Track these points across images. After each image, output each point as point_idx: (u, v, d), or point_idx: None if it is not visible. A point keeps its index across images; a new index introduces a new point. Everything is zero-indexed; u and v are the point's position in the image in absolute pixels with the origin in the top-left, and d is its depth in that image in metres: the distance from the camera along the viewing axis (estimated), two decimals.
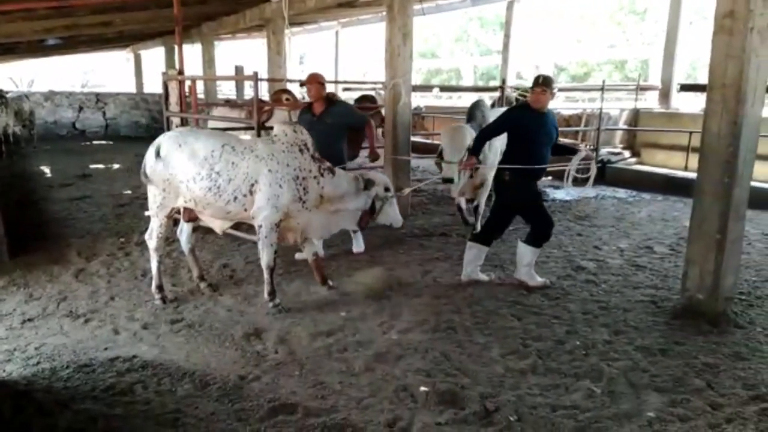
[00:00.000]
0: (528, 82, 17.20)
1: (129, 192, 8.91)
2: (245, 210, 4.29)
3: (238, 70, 14.51)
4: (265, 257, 4.37)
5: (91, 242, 6.13)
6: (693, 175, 4.60)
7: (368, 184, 4.68)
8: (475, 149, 4.86)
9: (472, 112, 6.68)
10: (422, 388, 3.21)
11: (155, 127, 16.20)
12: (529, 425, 2.90)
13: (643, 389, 3.25)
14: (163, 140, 4.35)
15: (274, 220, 4.27)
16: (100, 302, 4.60)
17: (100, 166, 11.69)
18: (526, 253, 4.89)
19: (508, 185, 4.75)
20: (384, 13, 10.51)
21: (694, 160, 5.55)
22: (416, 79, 24.84)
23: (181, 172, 4.23)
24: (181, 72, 6.52)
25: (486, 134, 4.88)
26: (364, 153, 6.59)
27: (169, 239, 6.16)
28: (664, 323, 4.16)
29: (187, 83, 6.69)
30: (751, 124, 3.99)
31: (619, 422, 2.93)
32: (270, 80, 9.09)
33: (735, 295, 4.49)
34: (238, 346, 3.79)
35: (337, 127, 5.48)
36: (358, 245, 5.89)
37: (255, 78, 5.65)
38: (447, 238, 6.56)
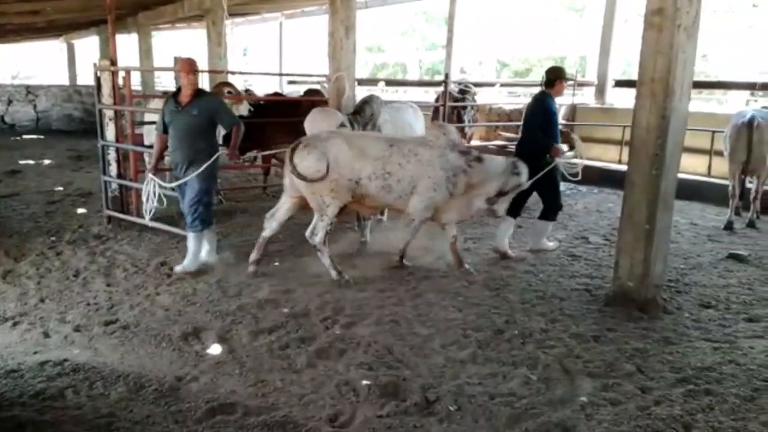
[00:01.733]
0: (471, 77, 17.50)
1: (60, 189, 8.53)
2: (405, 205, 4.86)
3: (177, 61, 14.06)
4: (412, 235, 5.04)
5: (20, 242, 5.83)
6: (626, 167, 4.78)
7: (518, 167, 5.00)
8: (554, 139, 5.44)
9: (361, 107, 6.24)
10: (364, 382, 3.22)
11: (90, 120, 15.55)
12: (468, 414, 2.96)
13: (576, 375, 3.37)
14: (328, 142, 4.65)
15: (426, 217, 4.87)
16: (29, 304, 4.39)
17: (30, 161, 11.12)
18: (544, 227, 5.76)
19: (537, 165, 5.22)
20: (327, 5, 10.41)
21: (627, 153, 5.75)
22: (362, 73, 24.76)
23: (351, 171, 4.59)
24: (113, 62, 6.26)
25: (541, 124, 5.42)
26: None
27: (102, 237, 5.98)
28: (598, 311, 4.32)
29: (121, 74, 6.43)
30: (678, 117, 4.18)
31: (553, 408, 3.03)
32: (210, 72, 8.86)
33: (664, 282, 4.70)
34: (175, 346, 3.70)
35: (202, 120, 4.93)
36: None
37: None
38: (391, 232, 6.58)
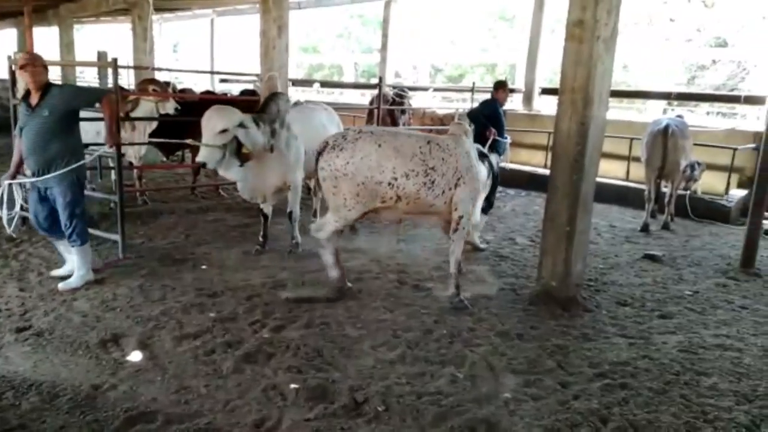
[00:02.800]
0: (406, 81, 17.65)
1: None
2: (444, 203, 4.37)
3: (101, 56, 13.47)
4: (459, 250, 4.50)
5: None
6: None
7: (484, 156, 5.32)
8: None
9: (266, 105, 5.35)
10: (292, 386, 3.18)
11: (5, 116, 14.62)
12: (395, 414, 2.98)
13: (501, 372, 3.46)
14: (357, 142, 4.22)
15: (470, 214, 4.51)
16: None
17: None
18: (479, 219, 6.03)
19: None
20: (259, 4, 10.22)
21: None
22: (298, 74, 24.56)
23: (381, 173, 4.16)
24: None
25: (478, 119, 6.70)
26: None
27: (16, 240, 5.64)
28: (522, 309, 4.46)
29: None
30: (597, 125, 4.38)
31: (478, 404, 3.09)
32: (134, 68, 8.53)
33: (584, 281, 4.91)
34: (92, 353, 3.52)
35: (56, 118, 4.28)
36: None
37: (114, 65, 5.26)
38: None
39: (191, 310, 4.20)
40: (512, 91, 12.63)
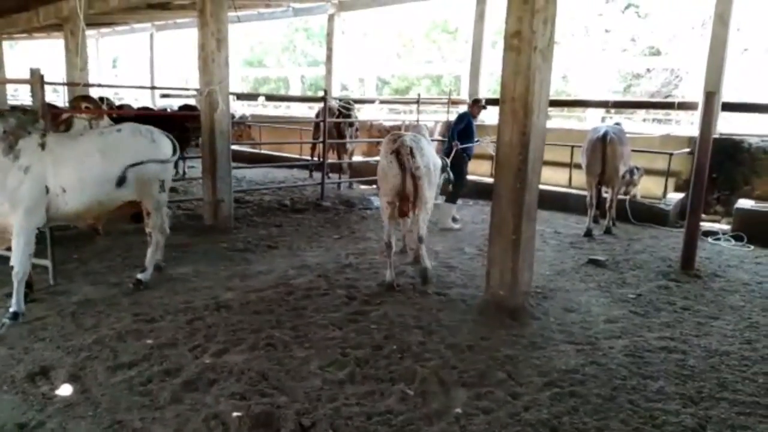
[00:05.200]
0: (353, 94, 17.61)
1: None
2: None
3: (33, 72, 12.87)
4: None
5: None
6: None
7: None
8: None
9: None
10: (235, 414, 3.03)
11: None
12: None
13: (452, 386, 3.41)
14: (414, 143, 4.98)
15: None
16: None
17: None
18: (449, 208, 7.66)
19: (462, 160, 7.57)
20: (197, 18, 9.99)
21: None
22: (243, 88, 24.21)
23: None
24: None
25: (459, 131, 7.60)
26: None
27: None
28: (472, 320, 4.43)
29: None
30: (538, 133, 4.42)
31: (429, 422, 3.02)
32: (65, 84, 8.17)
33: (532, 289, 4.94)
34: (18, 389, 3.27)
35: None
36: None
37: (40, 81, 5.00)
38: (273, 250, 6.39)
39: (127, 337, 3.98)
40: (455, 102, 12.90)
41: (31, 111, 4.68)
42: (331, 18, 13.61)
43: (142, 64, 20.81)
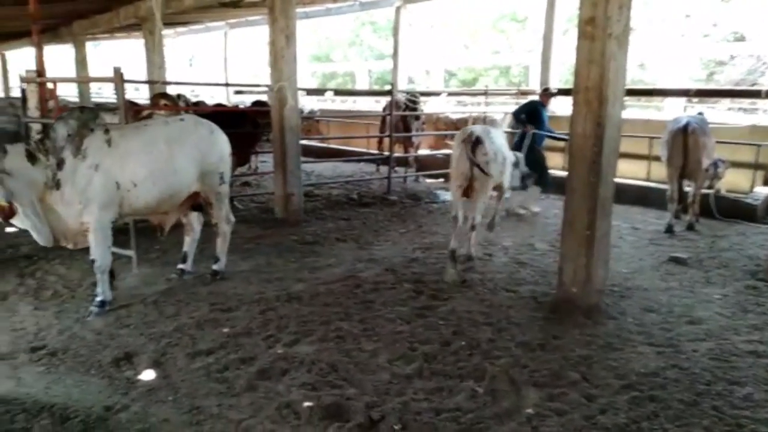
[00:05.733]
0: (419, 87, 17.54)
1: None
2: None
3: (116, 71, 13.60)
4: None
5: None
6: None
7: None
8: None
9: (53, 128, 4.26)
10: (306, 404, 3.09)
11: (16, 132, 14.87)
12: None
13: (523, 385, 3.33)
14: (483, 134, 5.35)
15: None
16: None
17: None
18: (535, 191, 8.00)
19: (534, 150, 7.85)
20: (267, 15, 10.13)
21: None
22: (311, 83, 24.64)
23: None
24: (40, 73, 5.95)
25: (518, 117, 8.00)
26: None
27: (33, 257, 5.64)
28: (543, 318, 4.32)
29: (49, 86, 6.11)
30: (613, 124, 4.23)
31: (499, 421, 2.97)
32: (141, 82, 8.55)
33: (607, 287, 4.76)
34: (105, 373, 3.47)
35: None
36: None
37: (120, 79, 5.25)
38: (341, 243, 6.47)
39: (205, 325, 4.14)
40: (524, 93, 12.59)
41: (90, 109, 4.83)
42: (397, 11, 13.56)
43: (217, 61, 21.52)
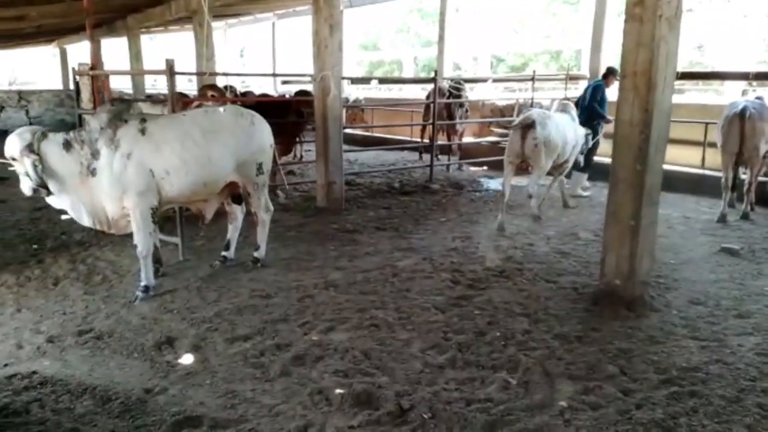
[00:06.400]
0: (466, 73, 17.29)
1: None
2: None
3: (169, 64, 14.01)
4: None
5: (2, 250, 5.75)
6: None
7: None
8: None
9: (89, 120, 4.58)
10: (338, 391, 3.12)
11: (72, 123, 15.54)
12: (442, 422, 2.85)
13: (557, 378, 3.27)
14: (539, 117, 6.34)
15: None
16: (5, 315, 4.31)
17: None
18: (580, 177, 8.21)
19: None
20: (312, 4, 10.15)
21: None
22: (358, 72, 24.68)
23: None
24: (93, 67, 6.18)
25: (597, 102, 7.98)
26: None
27: (85, 244, 5.90)
28: (583, 309, 4.22)
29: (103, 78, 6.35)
30: (662, 111, 4.07)
31: (531, 413, 2.93)
32: (190, 74, 8.77)
33: (652, 279, 4.60)
34: (147, 356, 3.61)
35: None
36: None
37: (170, 71, 5.40)
38: (381, 232, 6.49)
39: (244, 311, 4.24)
40: (574, 78, 12.23)
41: (123, 100, 4.99)
42: None
43: (265, 52, 21.85)
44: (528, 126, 6.23)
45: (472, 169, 10.66)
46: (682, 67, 19.38)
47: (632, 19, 4.02)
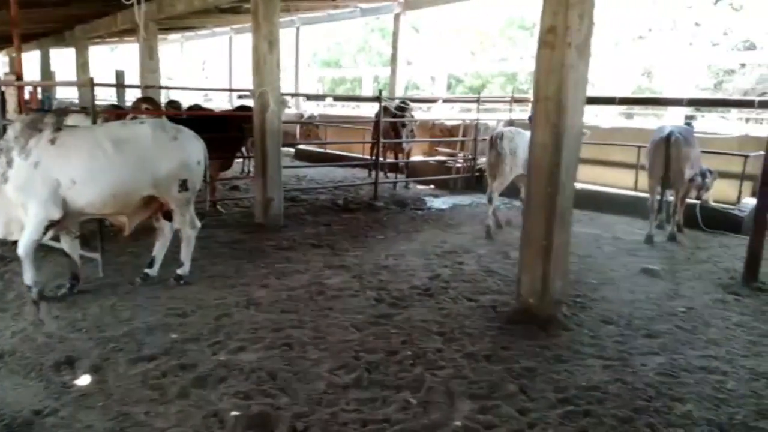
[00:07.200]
0: (424, 93, 17.45)
1: None
2: None
3: (119, 75, 13.78)
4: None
5: None
6: None
7: None
8: None
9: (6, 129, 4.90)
10: (233, 413, 3.07)
11: None
12: None
13: (458, 397, 3.28)
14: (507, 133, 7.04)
15: None
16: None
17: None
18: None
19: None
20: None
21: None
22: (319, 88, 24.78)
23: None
24: (19, 77, 6.02)
25: None
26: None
27: (6, 259, 5.69)
28: (498, 328, 4.26)
29: (28, 89, 6.20)
30: (572, 135, 4.18)
31: None
32: (112, 86, 8.62)
33: (570, 297, 4.69)
34: (44, 376, 3.47)
35: None
36: None
37: (90, 84, 5.30)
38: (316, 249, 6.45)
39: (155, 330, 4.13)
40: (519, 101, 12.46)
41: (46, 111, 4.98)
42: (396, 17, 13.60)
43: (225, 66, 21.74)
44: (497, 138, 7.05)
45: (419, 187, 10.75)
46: (631, 92, 20.02)
47: (544, 46, 4.14)
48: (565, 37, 4.02)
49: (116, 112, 6.71)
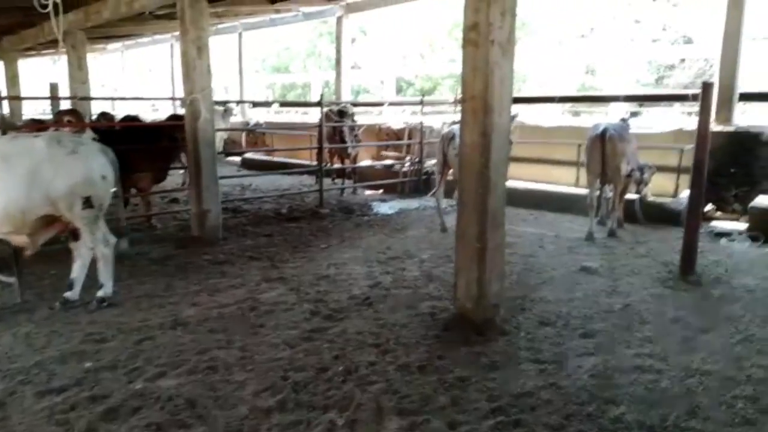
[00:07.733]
0: (374, 96, 17.34)
1: None
2: None
3: (53, 87, 13.20)
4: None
5: None
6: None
7: None
8: None
9: None
10: None
11: None
12: None
13: (387, 414, 3.13)
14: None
15: None
16: None
17: None
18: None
19: None
20: (216, 27, 9.82)
21: None
22: (269, 95, 24.37)
23: None
24: None
25: None
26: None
27: None
28: (434, 336, 4.13)
29: None
30: (500, 134, 4.10)
31: None
32: (16, 98, 8.19)
33: (510, 299, 4.61)
34: None
35: None
36: None
37: None
38: (254, 262, 6.22)
39: (69, 359, 3.85)
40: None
41: None
42: (339, 20, 13.45)
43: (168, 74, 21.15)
44: (450, 138, 7.14)
45: (367, 192, 10.60)
46: (576, 90, 20.41)
47: (468, 44, 4.05)
48: (488, 34, 3.93)
49: (36, 126, 6.33)
